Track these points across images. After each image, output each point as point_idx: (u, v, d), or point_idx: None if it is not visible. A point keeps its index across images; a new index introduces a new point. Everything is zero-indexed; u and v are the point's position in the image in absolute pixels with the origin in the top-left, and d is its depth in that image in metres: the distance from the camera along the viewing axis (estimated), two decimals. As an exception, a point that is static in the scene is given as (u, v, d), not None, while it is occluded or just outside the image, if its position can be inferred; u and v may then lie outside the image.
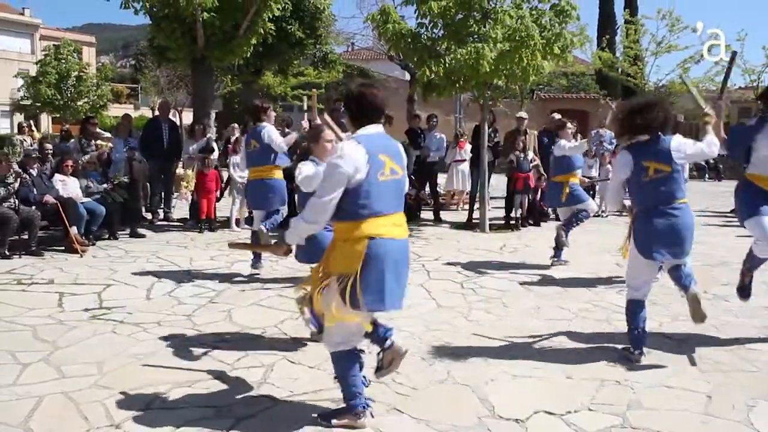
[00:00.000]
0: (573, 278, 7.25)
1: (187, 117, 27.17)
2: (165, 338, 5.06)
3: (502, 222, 11.15)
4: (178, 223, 10.88)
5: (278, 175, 7.38)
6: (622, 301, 6.29)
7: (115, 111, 33.92)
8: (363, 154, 3.31)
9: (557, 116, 11.45)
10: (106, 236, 9.19)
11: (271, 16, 13.26)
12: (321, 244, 4.09)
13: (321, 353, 4.70)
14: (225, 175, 11.44)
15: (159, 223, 10.81)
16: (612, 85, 31.54)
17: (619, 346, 4.92)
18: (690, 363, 4.65)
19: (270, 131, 7.30)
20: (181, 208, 11.59)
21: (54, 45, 33.67)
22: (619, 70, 27.50)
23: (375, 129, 3.50)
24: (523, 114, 11.87)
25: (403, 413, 3.76)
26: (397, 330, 5.24)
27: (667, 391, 4.15)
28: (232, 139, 11.28)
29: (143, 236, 9.48)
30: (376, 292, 3.33)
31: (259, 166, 7.30)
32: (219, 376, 4.30)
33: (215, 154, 11.20)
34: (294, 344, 4.98)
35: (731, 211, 14.07)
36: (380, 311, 3.47)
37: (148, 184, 11.15)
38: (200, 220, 10.24)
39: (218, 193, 10.70)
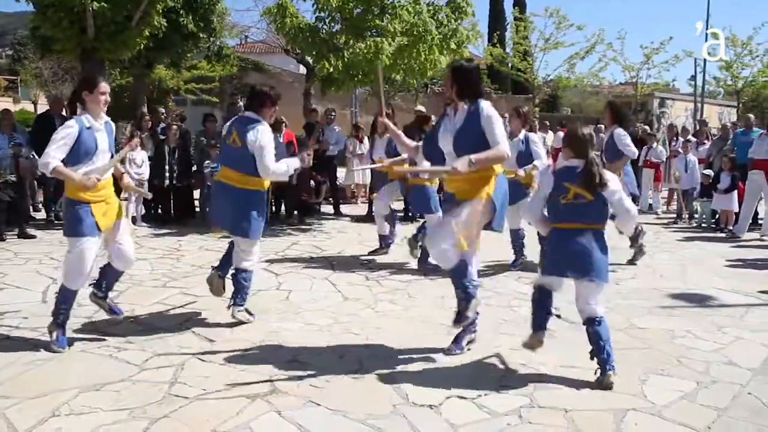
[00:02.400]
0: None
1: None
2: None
3: (402, 215, 11.33)
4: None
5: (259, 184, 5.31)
6: (523, 287, 6.62)
7: (-8, 104, 31.93)
8: None
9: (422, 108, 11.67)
10: (-8, 238, 8.71)
11: (163, 8, 12.89)
12: None
13: (231, 350, 4.70)
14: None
15: (48, 221, 10.31)
16: (503, 79, 32.61)
17: (522, 332, 5.14)
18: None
19: (262, 135, 5.14)
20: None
21: None
22: (510, 65, 28.48)
23: None
24: (421, 108, 12.09)
25: (319, 405, 3.81)
26: (305, 324, 5.33)
27: (568, 370, 4.41)
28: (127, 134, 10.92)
29: (33, 237, 9.03)
30: None
31: (234, 170, 5.25)
32: (128, 377, 4.19)
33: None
34: (202, 342, 4.92)
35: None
36: None
37: (35, 182, 10.63)
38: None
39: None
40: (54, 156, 4.58)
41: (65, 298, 4.80)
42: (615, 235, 9.93)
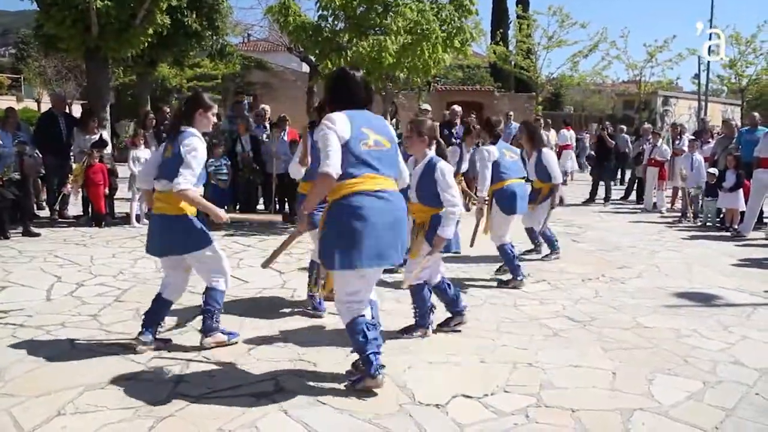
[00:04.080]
0: (479, 267, 7.48)
1: (77, 110, 26.01)
2: (71, 340, 4.86)
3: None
4: (71, 220, 10.46)
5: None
6: (529, 287, 6.61)
7: (-5, 103, 31.95)
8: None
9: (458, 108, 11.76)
10: (-4, 236, 8.71)
11: (167, 6, 12.88)
12: None
13: (235, 349, 4.69)
14: (122, 168, 11.14)
15: (52, 219, 10.33)
16: (506, 77, 32.61)
17: (528, 331, 5.15)
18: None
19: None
20: (75, 204, 11.11)
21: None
22: (513, 63, 28.48)
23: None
24: (426, 106, 12.10)
25: (325, 404, 3.79)
26: (310, 322, 5.32)
27: (575, 370, 4.40)
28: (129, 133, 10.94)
29: (38, 235, 9.03)
30: None
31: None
32: (133, 376, 4.19)
33: (108, 149, 10.83)
34: (234, 332, 4.93)
35: (621, 199, 14.90)
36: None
37: (39, 180, 10.66)
38: (96, 215, 9.99)
39: (106, 189, 10.31)
40: (191, 181, 4.35)
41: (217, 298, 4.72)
42: (616, 237, 9.96)
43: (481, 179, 6.77)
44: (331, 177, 3.60)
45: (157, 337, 4.71)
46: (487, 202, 6.80)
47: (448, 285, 5.13)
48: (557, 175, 7.50)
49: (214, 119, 4.77)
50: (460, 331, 5.14)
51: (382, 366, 3.92)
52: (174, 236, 4.54)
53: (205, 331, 4.73)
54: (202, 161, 4.44)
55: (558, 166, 7.69)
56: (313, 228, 4.54)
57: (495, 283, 6.77)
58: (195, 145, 4.41)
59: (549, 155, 7.58)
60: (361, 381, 3.95)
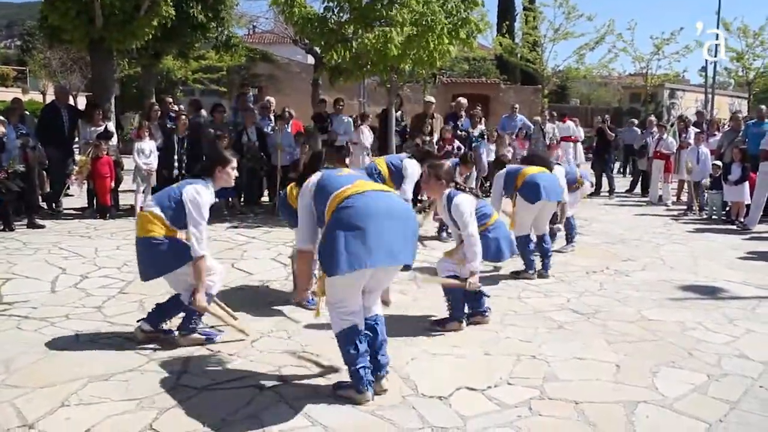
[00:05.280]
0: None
1: (82, 102, 26.01)
2: (75, 332, 4.87)
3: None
4: (76, 212, 10.48)
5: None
6: (534, 280, 6.60)
7: (1, 95, 31.97)
8: None
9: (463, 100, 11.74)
10: (1, 228, 8.71)
11: (172, -3, 12.85)
12: None
13: (238, 341, 4.69)
14: (127, 161, 11.15)
15: (54, 212, 10.35)
16: (511, 70, 32.51)
17: (532, 323, 5.14)
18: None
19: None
20: (80, 197, 11.12)
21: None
22: (519, 55, 28.34)
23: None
24: (431, 98, 12.05)
25: (328, 396, 3.79)
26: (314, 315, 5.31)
27: (579, 362, 4.39)
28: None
29: (42, 227, 9.04)
30: None
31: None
32: (137, 367, 4.19)
33: (114, 140, 10.83)
34: (212, 332, 4.90)
35: (627, 191, 14.86)
36: None
37: (44, 172, 10.66)
38: (101, 207, 10.01)
39: (112, 182, 10.32)
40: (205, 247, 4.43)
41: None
42: (621, 229, 9.93)
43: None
44: (304, 252, 3.91)
45: (159, 327, 4.71)
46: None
47: None
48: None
49: (235, 173, 4.72)
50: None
51: (372, 381, 3.71)
52: (145, 259, 4.55)
53: (180, 331, 4.68)
54: (205, 213, 4.45)
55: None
56: None
57: (499, 276, 6.75)
58: (200, 201, 4.43)
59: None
60: (345, 389, 3.77)
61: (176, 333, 4.69)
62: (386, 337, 3.91)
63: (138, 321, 4.74)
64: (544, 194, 6.50)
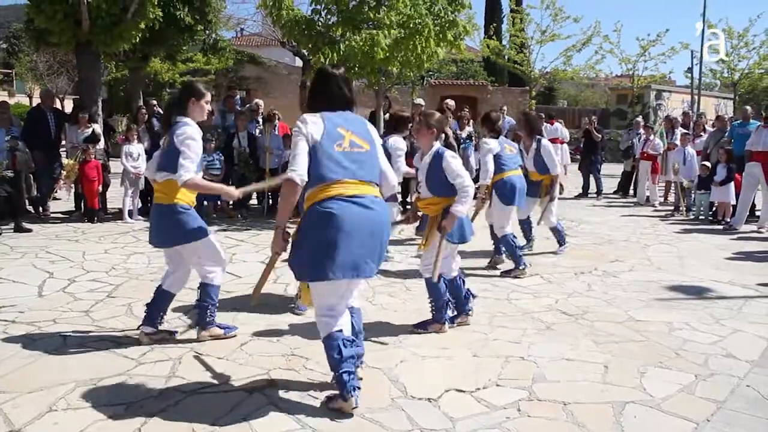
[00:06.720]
0: (471, 261, 7.47)
1: (69, 105, 25.83)
2: (63, 336, 4.84)
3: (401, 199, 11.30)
4: (64, 216, 10.42)
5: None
6: (521, 280, 6.63)
7: (-13, 98, 31.68)
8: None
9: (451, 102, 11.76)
10: (-12, 232, 8.67)
11: (159, 0, 12.80)
12: None
13: (229, 344, 4.68)
14: (114, 164, 11.10)
15: (41, 216, 10.29)
16: (499, 72, 32.61)
17: (520, 325, 5.16)
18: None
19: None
20: (67, 200, 11.07)
21: None
22: (506, 57, 28.44)
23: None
24: (420, 101, 12.07)
25: (317, 399, 3.79)
26: (302, 317, 5.32)
27: (567, 363, 4.41)
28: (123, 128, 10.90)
29: (29, 230, 8.98)
30: None
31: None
32: (125, 372, 4.17)
33: (101, 144, 10.78)
34: (230, 325, 4.94)
35: (614, 192, 14.93)
36: None
37: (30, 176, 10.60)
38: (88, 210, 9.96)
39: (100, 186, 10.28)
40: (192, 169, 4.31)
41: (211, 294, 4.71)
42: (607, 229, 9.98)
43: (483, 169, 6.86)
44: (294, 182, 3.45)
45: (160, 328, 4.72)
46: (488, 192, 6.88)
47: (463, 281, 5.16)
48: (555, 166, 7.54)
49: (209, 107, 4.72)
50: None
51: (357, 387, 3.63)
52: (168, 227, 4.53)
53: (201, 325, 4.75)
54: (198, 147, 4.40)
55: (555, 157, 7.74)
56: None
57: (487, 277, 6.77)
58: (188, 134, 4.37)
59: (547, 146, 7.61)
60: (335, 401, 3.68)
61: (196, 329, 4.80)
62: (362, 328, 3.99)
63: (138, 327, 4.74)
64: (518, 199, 6.89)
